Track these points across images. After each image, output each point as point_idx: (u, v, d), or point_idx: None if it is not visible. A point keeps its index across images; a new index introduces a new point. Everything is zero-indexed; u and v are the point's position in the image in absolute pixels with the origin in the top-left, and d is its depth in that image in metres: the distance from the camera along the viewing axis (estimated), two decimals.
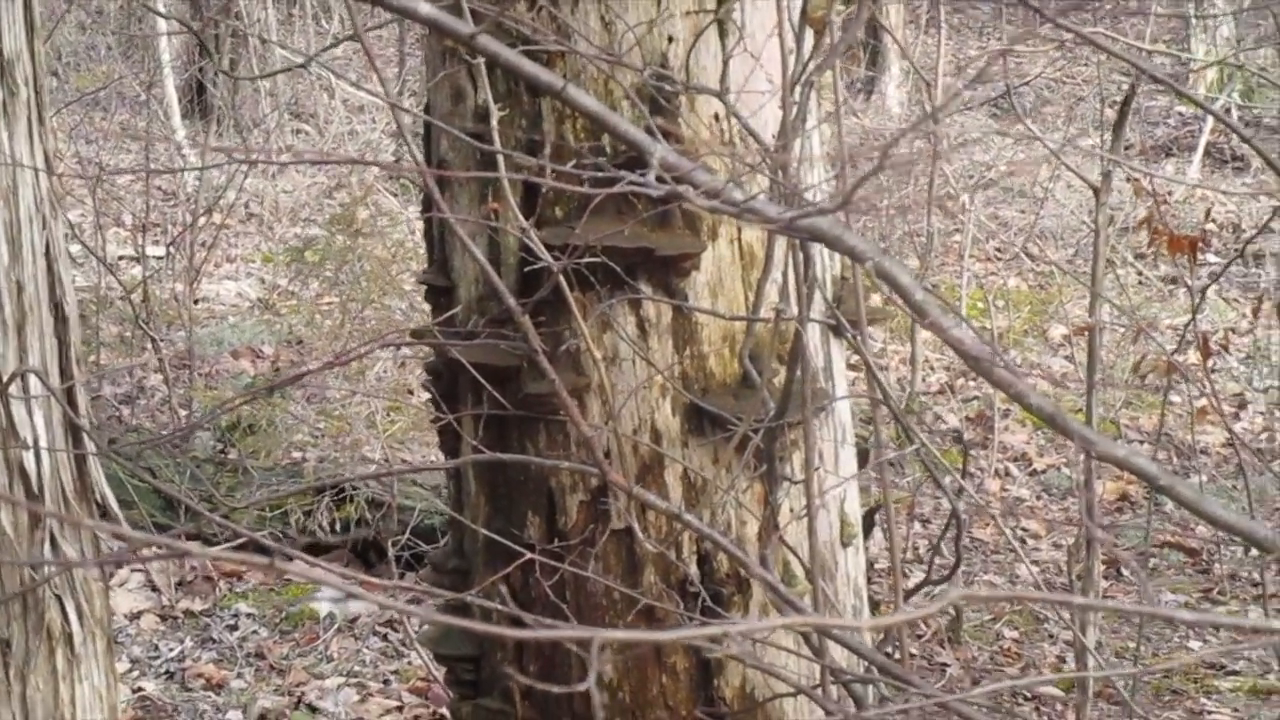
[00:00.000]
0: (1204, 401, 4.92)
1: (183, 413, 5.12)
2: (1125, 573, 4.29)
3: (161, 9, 7.87)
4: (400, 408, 5.18)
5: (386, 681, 4.13)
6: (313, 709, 3.85)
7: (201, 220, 6.10)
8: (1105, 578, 4.22)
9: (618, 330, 2.31)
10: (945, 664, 3.74)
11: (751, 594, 2.31)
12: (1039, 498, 5.24)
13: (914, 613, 1.65)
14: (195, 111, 8.93)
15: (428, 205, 2.53)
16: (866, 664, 2.07)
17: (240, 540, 3.19)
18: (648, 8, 2.26)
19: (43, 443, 2.46)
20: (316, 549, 4.19)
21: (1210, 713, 3.65)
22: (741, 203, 1.40)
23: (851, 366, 2.78)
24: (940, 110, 3.40)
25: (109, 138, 8.31)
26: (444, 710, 3.32)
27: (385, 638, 4.41)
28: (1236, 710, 3.59)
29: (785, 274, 2.27)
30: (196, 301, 6.14)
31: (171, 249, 6.13)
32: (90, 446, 2.61)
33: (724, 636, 2.20)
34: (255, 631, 4.34)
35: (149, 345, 5.52)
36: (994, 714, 1.99)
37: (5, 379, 2.33)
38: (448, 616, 2.13)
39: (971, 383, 5.79)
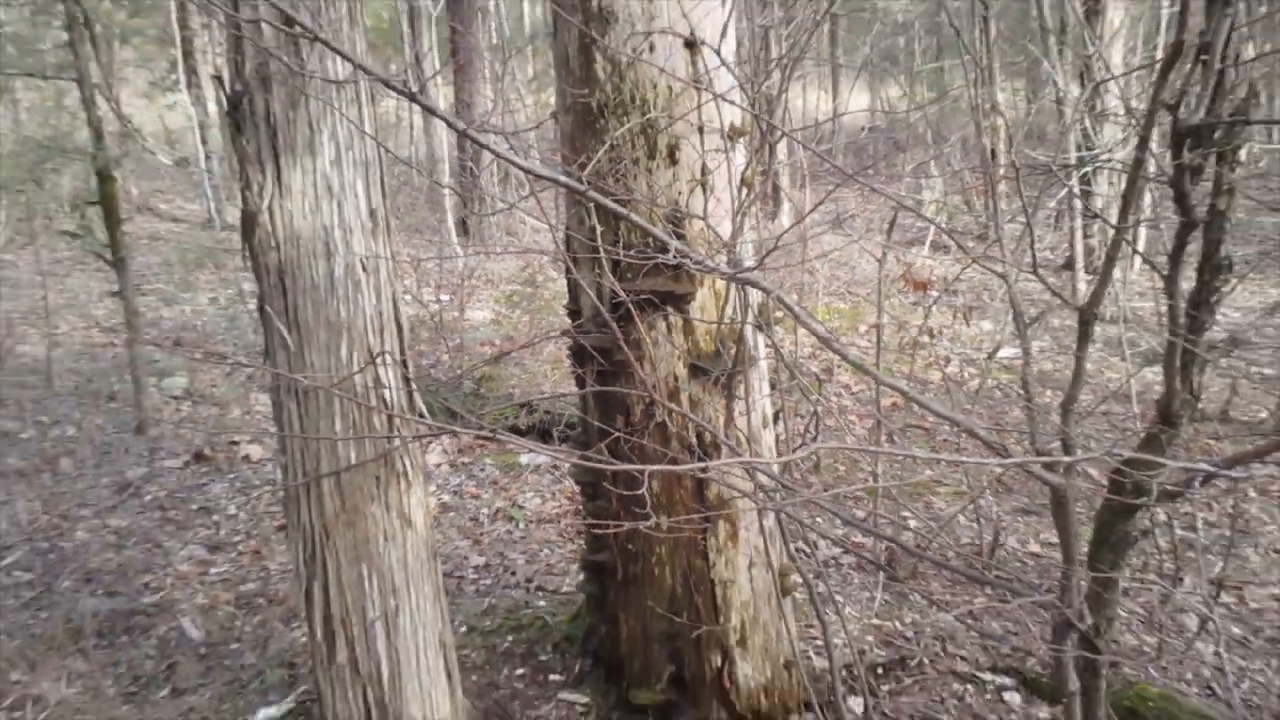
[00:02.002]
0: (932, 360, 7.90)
1: (458, 371, 8.11)
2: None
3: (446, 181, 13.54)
4: (558, 367, 8.12)
5: (553, 495, 6.22)
6: (519, 507, 5.91)
7: (466, 282, 10.63)
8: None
9: (656, 329, 3.50)
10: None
11: (721, 452, 3.44)
12: (858, 405, 7.51)
13: (794, 456, 2.82)
14: (464, 229, 14.25)
15: (569, 271, 3.71)
16: (775, 483, 3.28)
17: (484, 429, 5.27)
18: (668, 178, 3.41)
19: (393, 385, 3.36)
20: (519, 432, 6.69)
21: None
22: (713, 268, 3.01)
23: (767, 346, 3.87)
24: (799, 224, 4.95)
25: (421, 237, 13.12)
26: (580, 507, 4.86)
27: (552, 471, 6.58)
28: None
29: (735, 302, 3.51)
30: (463, 319, 9.70)
31: (451, 296, 10.18)
32: (414, 386, 3.52)
33: (706, 469, 3.55)
34: (493, 472, 6.58)
35: (442, 340, 8.82)
36: (832, 507, 3.40)
37: (376, 355, 3.28)
38: (581, 462, 3.69)
39: (822, 352, 8.59)
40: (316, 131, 3.16)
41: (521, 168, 2.64)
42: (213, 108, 17.45)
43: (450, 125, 2.06)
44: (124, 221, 7.84)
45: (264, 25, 2.98)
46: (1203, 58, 2.06)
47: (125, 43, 19.15)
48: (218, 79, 3.30)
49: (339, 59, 3.09)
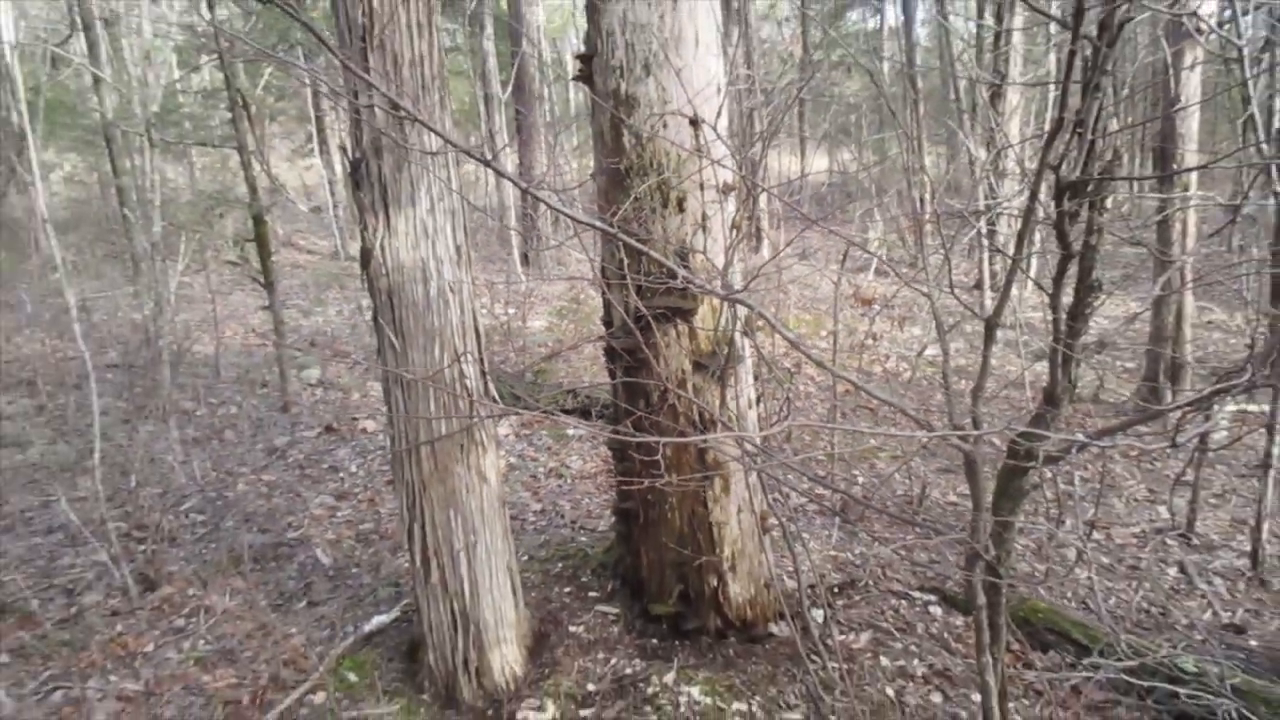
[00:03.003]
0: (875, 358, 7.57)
1: (521, 366, 8.14)
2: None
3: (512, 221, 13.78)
4: (595, 363, 8.18)
5: (592, 458, 6.15)
6: (567, 467, 5.84)
7: (526, 299, 10.64)
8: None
9: (668, 335, 3.52)
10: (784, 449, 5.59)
11: (717, 427, 3.46)
12: (819, 392, 7.22)
13: (772, 430, 2.85)
14: (525, 260, 14.04)
15: (604, 292, 3.68)
16: (757, 450, 3.28)
17: (541, 410, 5.18)
18: (677, 222, 3.41)
19: (472, 376, 3.40)
20: (566, 412, 6.41)
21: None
22: (711, 290, 3.02)
23: (751, 348, 3.96)
24: (776, 257, 4.97)
25: (493, 266, 13.25)
26: (612, 468, 4.97)
27: (590, 441, 6.48)
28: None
29: (727, 315, 3.54)
30: (525, 328, 9.68)
31: (516, 310, 10.30)
32: (488, 378, 3.52)
33: (706, 440, 3.48)
34: (547, 440, 6.49)
35: (509, 342, 8.89)
36: (800, 467, 3.42)
37: (460, 355, 3.31)
38: (612, 435, 3.72)
39: (793, 352, 8.13)
40: (416, 188, 3.18)
41: (569, 216, 2.63)
42: (338, 169, 17.52)
43: (515, 185, 2.06)
44: (273, 254, 7.88)
45: (376, 109, 3.00)
46: (1078, 130, 2.05)
47: (273, 120, 19.24)
48: (343, 149, 3.31)
49: (432, 134, 3.10)
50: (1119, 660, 3.07)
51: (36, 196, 7.91)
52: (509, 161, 16.49)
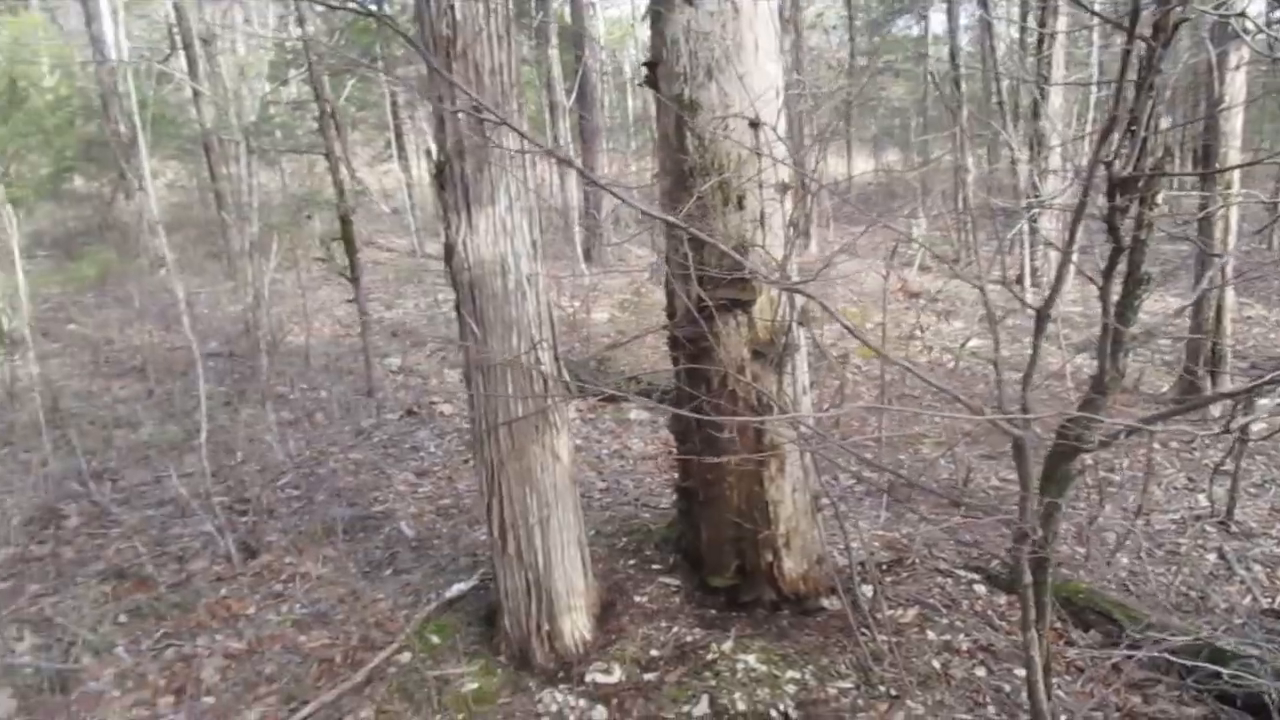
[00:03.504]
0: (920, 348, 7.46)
1: (586, 354, 8.05)
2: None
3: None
4: (655, 352, 8.05)
5: (652, 440, 6.18)
6: (629, 448, 5.91)
7: (590, 293, 10.73)
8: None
9: (728, 324, 3.50)
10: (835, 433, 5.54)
11: (773, 410, 3.44)
12: (865, 380, 7.23)
13: (828, 413, 2.87)
14: (588, 255, 13.82)
15: (668, 284, 3.76)
16: (811, 433, 3.20)
17: (611, 391, 5.24)
18: (738, 219, 3.40)
19: (546, 362, 3.41)
20: (637, 394, 6.30)
21: None
22: (775, 281, 3.01)
23: (806, 337, 3.88)
24: (837, 254, 4.90)
25: (559, 262, 13.25)
26: (673, 449, 4.95)
27: (651, 424, 6.56)
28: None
29: (783, 306, 3.52)
30: (589, 319, 9.70)
31: (580, 302, 10.41)
32: (561, 363, 3.54)
33: (764, 422, 3.46)
34: (610, 424, 6.57)
35: (574, 332, 9.00)
36: (850, 449, 3.36)
37: (536, 343, 3.32)
38: (680, 413, 3.72)
39: (841, 342, 7.98)
40: (495, 188, 3.21)
41: (645, 212, 2.65)
42: (415, 172, 17.76)
43: (595, 183, 2.09)
44: (357, 251, 8.01)
45: (460, 115, 3.04)
46: (1132, 127, 2.01)
47: (354, 128, 19.57)
48: (428, 152, 3.37)
49: (508, 138, 3.13)
50: (1159, 639, 3.01)
51: (149, 200, 8.15)
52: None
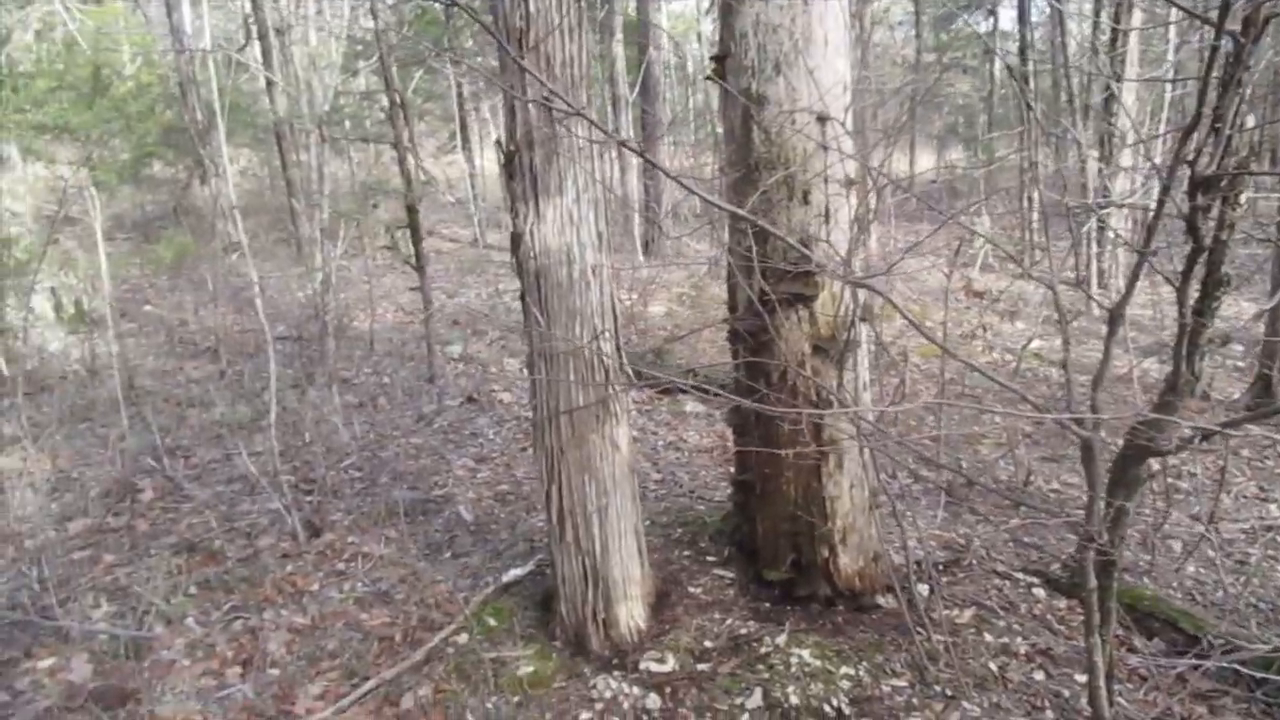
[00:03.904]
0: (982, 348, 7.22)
1: (643, 346, 8.07)
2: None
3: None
4: (712, 345, 8.04)
5: (707, 433, 6.17)
6: (685, 440, 6.00)
7: (648, 286, 10.77)
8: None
9: (790, 319, 3.47)
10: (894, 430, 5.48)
11: (834, 406, 3.40)
12: (924, 378, 7.11)
13: (890, 408, 2.83)
14: (646, 248, 13.98)
15: (730, 277, 3.75)
16: (871, 429, 3.23)
17: (673, 381, 5.23)
18: (802, 214, 3.38)
19: (608, 353, 3.43)
20: (695, 388, 6.22)
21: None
22: (843, 276, 2.98)
23: (868, 334, 3.88)
24: (909, 251, 4.80)
25: (617, 254, 13.34)
26: (729, 442, 5.02)
27: (707, 417, 6.56)
28: None
29: (846, 301, 3.49)
30: (646, 311, 9.78)
31: (638, 295, 10.31)
32: (623, 354, 3.55)
33: (824, 417, 3.46)
34: (666, 416, 6.57)
35: (632, 324, 9.01)
36: (910, 446, 3.34)
37: (599, 333, 3.35)
38: (741, 402, 3.72)
39: (901, 338, 7.90)
40: (563, 179, 3.24)
41: (713, 204, 2.65)
42: (479, 164, 17.92)
43: (665, 174, 2.09)
44: (422, 240, 8.13)
45: (530, 105, 3.07)
46: (1215, 125, 1.95)
47: (421, 119, 19.84)
48: (497, 142, 3.39)
49: (576, 129, 3.15)
50: (1228, 649, 2.93)
51: (226, 187, 8.36)
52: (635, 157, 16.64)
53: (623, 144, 2.00)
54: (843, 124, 3.32)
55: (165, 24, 13.18)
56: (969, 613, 3.78)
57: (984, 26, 19.49)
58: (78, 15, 14.34)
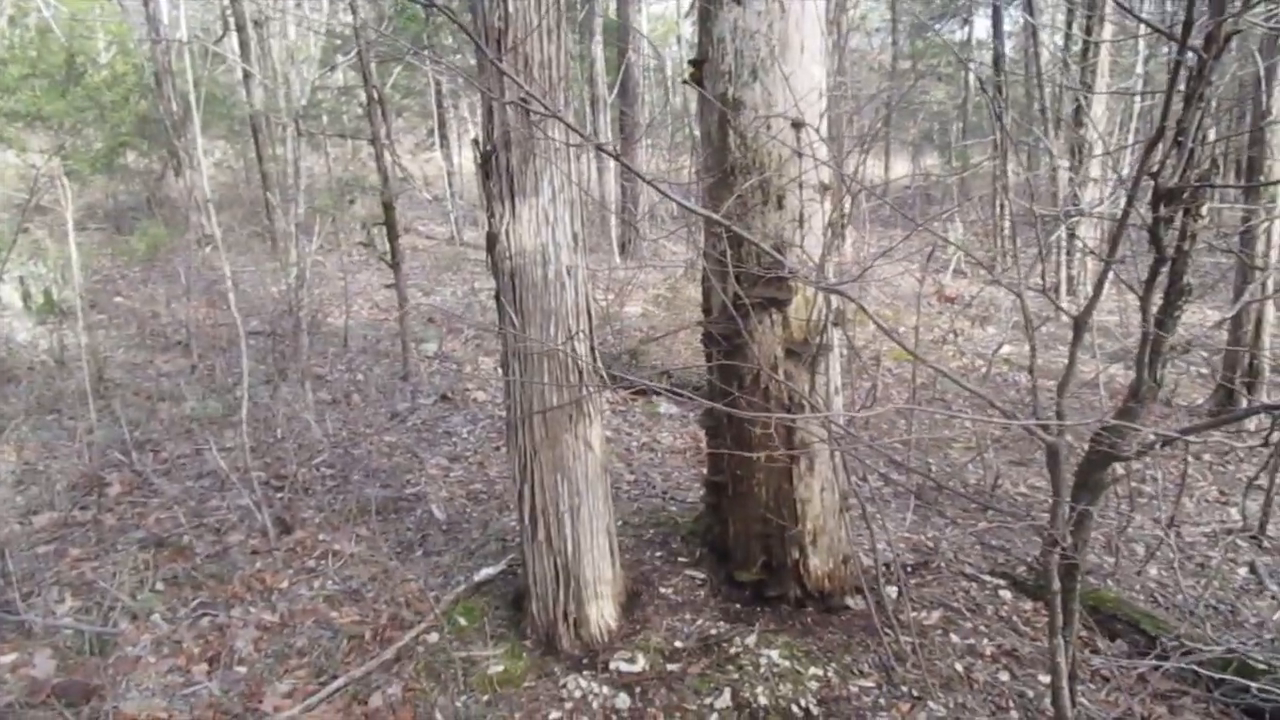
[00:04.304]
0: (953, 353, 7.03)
1: (618, 348, 7.96)
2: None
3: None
4: (686, 347, 8.05)
5: (681, 435, 6.19)
6: (658, 441, 5.92)
7: (624, 287, 10.37)
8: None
9: (764, 323, 3.49)
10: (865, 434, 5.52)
11: (805, 409, 3.42)
12: (896, 383, 7.15)
13: (861, 413, 2.84)
14: (623, 249, 13.66)
15: (704, 280, 3.76)
16: (841, 432, 3.34)
17: (646, 383, 5.24)
18: (777, 218, 3.39)
19: (582, 353, 3.41)
20: (658, 393, 6.48)
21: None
22: (814, 281, 3.00)
23: (839, 338, 3.92)
24: (880, 257, 4.85)
25: (593, 254, 13.36)
26: (702, 444, 5.02)
27: (681, 418, 6.55)
28: None
29: (819, 306, 3.52)
30: (622, 312, 9.65)
31: (614, 295, 10.08)
32: (597, 355, 3.52)
33: (795, 420, 3.66)
34: (640, 417, 6.54)
35: (607, 325, 8.87)
36: (880, 450, 3.37)
37: (573, 333, 3.32)
38: (714, 405, 3.72)
39: (873, 344, 7.77)
40: (539, 179, 3.23)
41: (687, 208, 2.65)
42: (456, 161, 17.83)
43: (640, 178, 2.09)
44: (398, 237, 8.08)
45: (508, 106, 3.07)
46: (1179, 139, 1.99)
47: (399, 115, 19.70)
48: (474, 141, 3.38)
49: (553, 130, 3.15)
50: (1187, 651, 2.98)
51: (201, 179, 8.26)
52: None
53: (599, 147, 2.01)
54: (818, 130, 3.34)
55: (141, 13, 13.00)
56: (936, 614, 3.82)
57: (960, 35, 19.68)
58: (53, 2, 14.13)
